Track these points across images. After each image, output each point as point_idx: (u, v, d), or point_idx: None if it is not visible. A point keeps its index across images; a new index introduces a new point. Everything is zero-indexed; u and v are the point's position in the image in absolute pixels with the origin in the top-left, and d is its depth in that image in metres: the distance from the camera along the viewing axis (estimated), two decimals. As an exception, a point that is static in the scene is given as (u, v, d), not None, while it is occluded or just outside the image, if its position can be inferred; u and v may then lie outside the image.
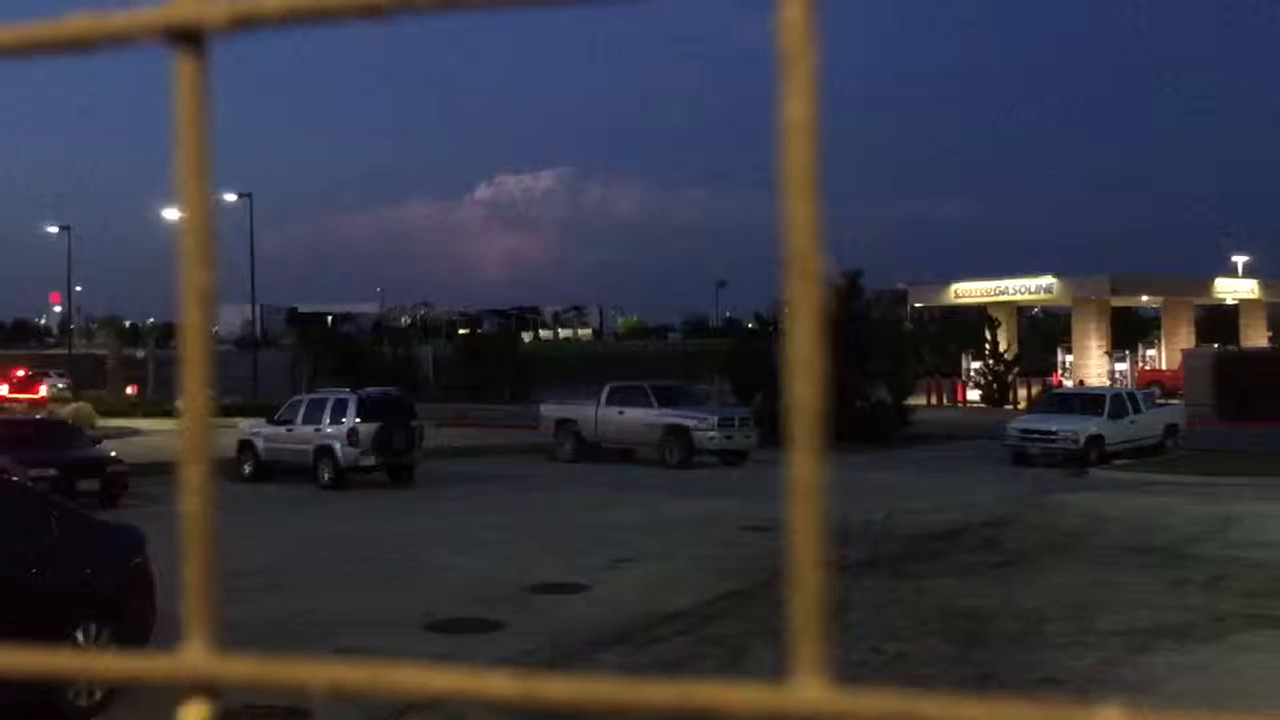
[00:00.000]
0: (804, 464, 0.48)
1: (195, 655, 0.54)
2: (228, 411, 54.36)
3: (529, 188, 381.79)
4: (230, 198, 57.02)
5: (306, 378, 55.86)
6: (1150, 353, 60.59)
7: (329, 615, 12.48)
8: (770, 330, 48.81)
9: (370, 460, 25.21)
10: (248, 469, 26.26)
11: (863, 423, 33.98)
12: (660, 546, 16.77)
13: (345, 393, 27.01)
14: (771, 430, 31.30)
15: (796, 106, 0.49)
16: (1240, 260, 64.06)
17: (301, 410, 26.43)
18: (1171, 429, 30.99)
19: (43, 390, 58.37)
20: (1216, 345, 56.16)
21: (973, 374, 56.23)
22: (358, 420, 25.27)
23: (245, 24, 0.52)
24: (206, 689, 0.55)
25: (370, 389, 27.62)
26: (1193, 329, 60.35)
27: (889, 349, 38.84)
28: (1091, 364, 55.84)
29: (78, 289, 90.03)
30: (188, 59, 0.52)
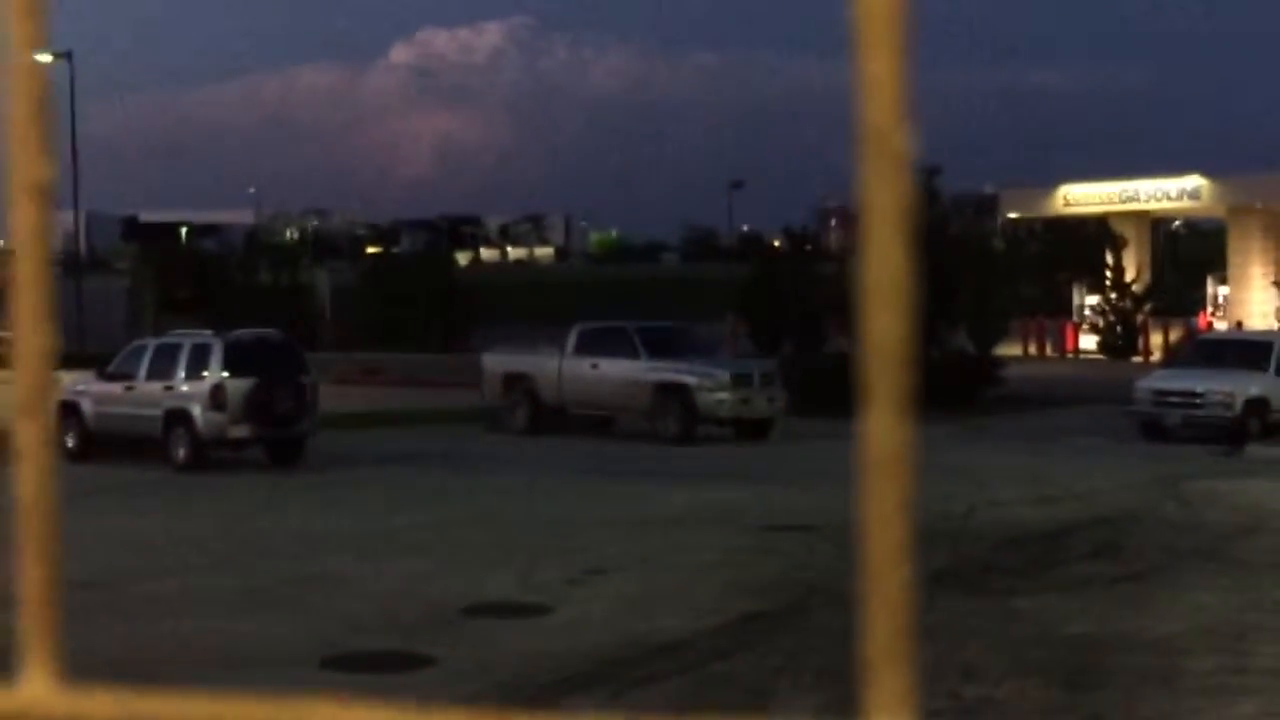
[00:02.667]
0: (883, 425, 0.44)
1: (37, 688, 0.55)
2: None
3: (467, 47, 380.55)
4: (40, 58, 56.65)
5: (151, 314, 55.78)
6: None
7: (189, 647, 12.53)
8: (805, 251, 48.75)
9: (242, 431, 25.19)
10: (71, 442, 26.25)
11: (936, 380, 34.05)
12: (648, 552, 16.84)
13: (206, 336, 26.94)
14: (805, 391, 31.34)
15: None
16: None
17: (145, 360, 26.38)
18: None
19: None
20: None
21: (1088, 313, 56.35)
22: (224, 375, 25.22)
23: None
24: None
25: (242, 331, 27.55)
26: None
27: (972, 278, 38.91)
28: (1254, 299, 55.96)
29: None
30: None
